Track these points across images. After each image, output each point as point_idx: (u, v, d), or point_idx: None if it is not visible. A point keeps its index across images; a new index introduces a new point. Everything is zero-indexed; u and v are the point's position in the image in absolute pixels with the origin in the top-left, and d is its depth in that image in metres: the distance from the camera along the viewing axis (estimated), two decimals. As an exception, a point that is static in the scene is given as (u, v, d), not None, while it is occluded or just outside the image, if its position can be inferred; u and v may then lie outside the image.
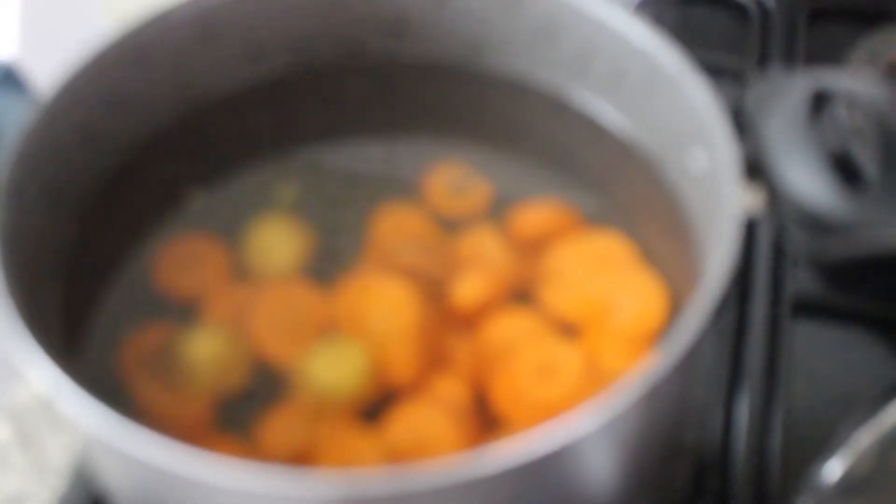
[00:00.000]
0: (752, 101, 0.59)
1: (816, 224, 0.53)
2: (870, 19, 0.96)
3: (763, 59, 0.96)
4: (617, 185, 0.67)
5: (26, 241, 0.55)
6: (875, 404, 0.73)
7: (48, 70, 0.87)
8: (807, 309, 0.79)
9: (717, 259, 0.50)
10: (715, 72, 0.62)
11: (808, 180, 0.53)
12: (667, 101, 0.62)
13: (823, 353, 0.78)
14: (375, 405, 0.59)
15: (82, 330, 0.60)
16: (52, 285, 0.59)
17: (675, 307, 0.61)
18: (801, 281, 0.81)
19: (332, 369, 0.60)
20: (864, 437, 0.66)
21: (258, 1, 0.65)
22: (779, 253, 0.81)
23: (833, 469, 0.65)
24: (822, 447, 0.70)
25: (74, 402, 0.48)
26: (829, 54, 0.94)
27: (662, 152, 0.64)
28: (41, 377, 0.48)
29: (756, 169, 0.56)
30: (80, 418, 0.47)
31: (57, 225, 0.60)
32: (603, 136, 0.67)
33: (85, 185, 0.62)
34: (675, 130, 0.62)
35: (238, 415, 0.59)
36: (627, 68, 0.64)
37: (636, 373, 0.48)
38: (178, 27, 0.63)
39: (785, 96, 0.58)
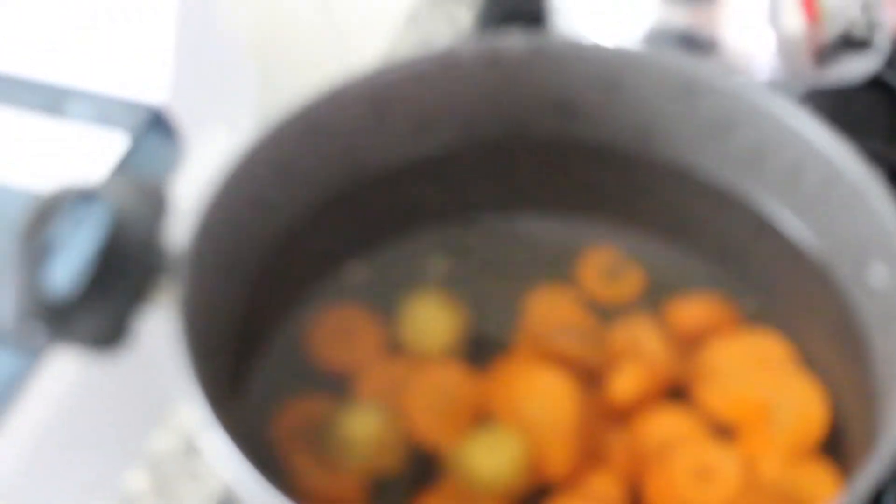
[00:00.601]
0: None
1: None
2: None
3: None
4: (783, 287, 0.66)
5: (203, 308, 0.57)
6: None
7: (196, 116, 0.90)
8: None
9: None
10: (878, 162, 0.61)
11: None
12: (846, 208, 0.61)
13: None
14: (528, 498, 0.59)
15: (244, 394, 0.61)
16: (222, 350, 0.60)
17: (837, 418, 0.60)
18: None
19: (488, 458, 0.59)
20: None
21: (429, 79, 0.65)
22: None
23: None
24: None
25: (229, 457, 0.49)
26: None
27: (838, 260, 0.63)
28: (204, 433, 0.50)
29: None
30: (230, 473, 0.49)
31: (229, 293, 0.61)
32: (772, 235, 0.66)
33: (255, 255, 0.63)
34: (854, 239, 0.61)
35: (389, 497, 0.59)
36: (804, 168, 0.63)
37: None
38: (351, 103, 0.64)
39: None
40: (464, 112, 0.68)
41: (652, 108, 0.66)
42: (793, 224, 0.66)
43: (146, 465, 0.77)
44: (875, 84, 0.96)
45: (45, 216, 0.53)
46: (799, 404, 0.61)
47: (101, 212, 0.54)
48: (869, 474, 0.49)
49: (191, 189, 0.60)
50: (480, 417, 0.61)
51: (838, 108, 0.72)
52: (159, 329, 0.57)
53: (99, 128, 0.88)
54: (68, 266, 0.53)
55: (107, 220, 0.54)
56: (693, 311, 0.65)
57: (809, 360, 0.63)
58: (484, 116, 0.68)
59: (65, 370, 0.86)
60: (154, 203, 0.56)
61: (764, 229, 0.66)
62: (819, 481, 0.59)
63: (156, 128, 0.87)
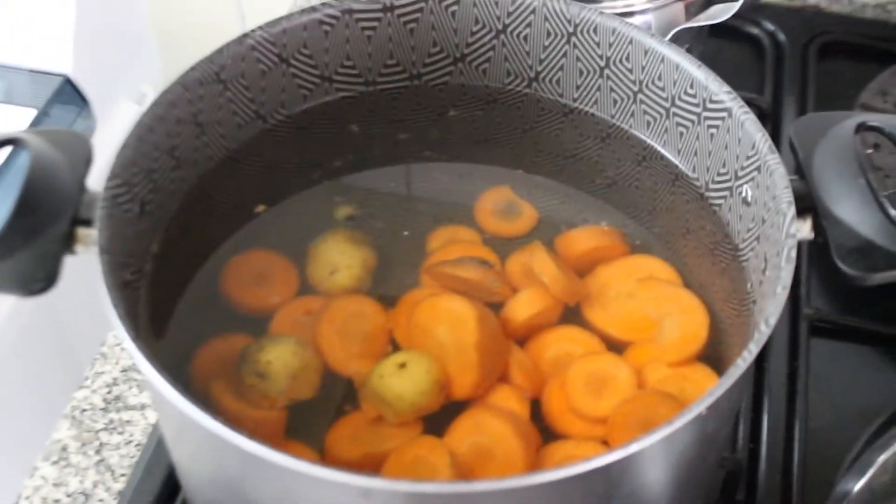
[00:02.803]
0: (795, 135, 0.61)
1: (862, 250, 0.55)
2: (879, 57, 0.99)
3: (777, 92, 0.99)
4: (664, 214, 0.69)
5: (122, 253, 0.57)
6: (892, 420, 0.76)
7: (100, 83, 0.90)
8: (824, 330, 0.82)
9: (781, 284, 0.52)
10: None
11: (857, 209, 0.56)
12: (716, 134, 0.63)
13: (840, 371, 0.81)
14: (437, 417, 0.60)
15: (167, 334, 0.62)
16: (143, 293, 0.61)
17: (715, 328, 0.63)
18: (818, 302, 0.83)
19: (397, 381, 0.60)
20: (882, 453, 0.68)
21: (328, 30, 0.67)
22: (797, 276, 0.83)
23: (852, 482, 0.67)
24: (842, 461, 0.74)
25: (157, 388, 0.50)
26: (839, 90, 0.97)
27: (712, 185, 0.65)
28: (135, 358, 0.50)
29: (801, 198, 0.58)
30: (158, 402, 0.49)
31: (146, 239, 0.62)
32: (653, 167, 0.69)
33: (170, 204, 0.64)
34: (725, 164, 0.63)
35: (307, 424, 0.60)
36: (680, 101, 0.65)
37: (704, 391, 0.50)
38: (254, 54, 0.65)
39: (830, 130, 0.60)
40: (362, 61, 0.69)
41: (538, 51, 0.69)
42: (671, 155, 0.68)
43: (70, 419, 0.77)
44: (740, 36, 1.01)
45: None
46: (681, 318, 0.64)
47: (24, 159, 0.54)
48: (732, 372, 0.51)
49: (103, 150, 0.60)
50: (390, 345, 0.63)
51: (707, 57, 0.74)
52: (79, 286, 0.58)
53: (6, 100, 0.87)
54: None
55: (29, 167, 0.54)
56: (582, 241, 0.67)
57: (690, 279, 0.66)
58: (381, 65, 0.70)
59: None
60: (76, 150, 0.57)
61: (645, 162, 0.69)
62: (700, 385, 0.61)
63: (64, 95, 0.86)
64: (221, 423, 0.48)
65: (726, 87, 0.62)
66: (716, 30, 0.83)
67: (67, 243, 0.56)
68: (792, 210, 0.56)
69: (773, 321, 0.51)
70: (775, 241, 0.57)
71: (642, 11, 0.80)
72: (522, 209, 0.69)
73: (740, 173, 0.62)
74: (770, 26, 1.02)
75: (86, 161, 0.58)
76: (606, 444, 0.59)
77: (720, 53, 0.96)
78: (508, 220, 0.69)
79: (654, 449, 0.49)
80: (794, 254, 0.54)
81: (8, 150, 0.55)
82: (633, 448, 0.48)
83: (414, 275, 0.65)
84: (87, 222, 0.56)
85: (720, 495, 0.72)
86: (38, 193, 0.54)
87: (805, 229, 0.57)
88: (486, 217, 0.69)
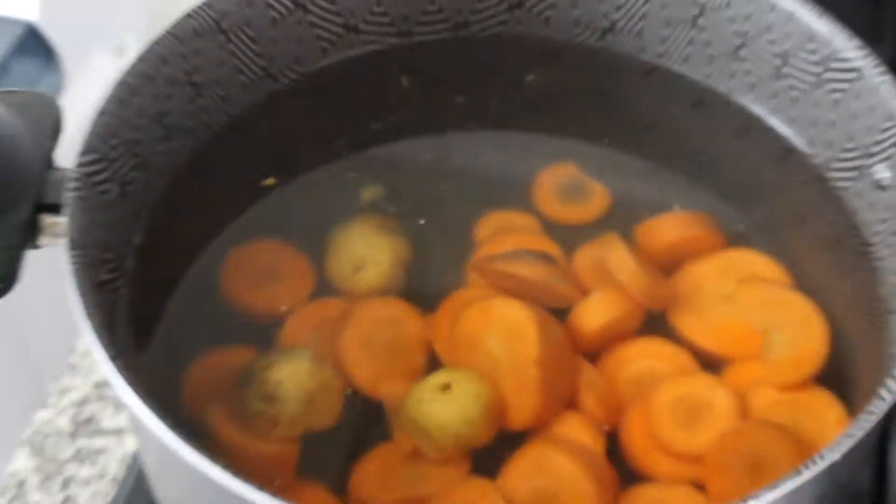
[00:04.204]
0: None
1: None
2: None
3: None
4: (771, 199, 0.68)
5: (97, 246, 0.57)
6: None
7: (71, 31, 0.88)
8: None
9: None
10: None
11: None
12: (841, 103, 0.62)
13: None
14: (489, 452, 0.58)
15: (151, 345, 0.61)
16: (123, 295, 0.60)
17: (838, 344, 0.61)
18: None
19: (439, 408, 0.58)
20: None
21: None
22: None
23: None
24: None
25: (138, 408, 0.49)
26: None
27: (834, 163, 0.64)
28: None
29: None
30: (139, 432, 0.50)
31: (127, 227, 0.61)
32: (758, 141, 0.67)
33: (156, 183, 0.63)
34: (852, 138, 0.62)
35: (325, 460, 0.59)
36: (793, 57, 0.64)
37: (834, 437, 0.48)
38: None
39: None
40: (396, 7, 0.68)
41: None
42: (780, 126, 0.67)
43: (30, 447, 0.77)
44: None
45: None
46: (793, 330, 0.61)
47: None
48: (878, 407, 0.49)
49: (74, 116, 0.60)
50: (429, 361, 0.61)
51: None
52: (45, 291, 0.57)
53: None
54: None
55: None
56: (668, 231, 0.65)
57: (804, 280, 0.63)
58: (419, 12, 0.69)
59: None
60: (40, 117, 0.57)
61: (748, 134, 0.68)
62: (820, 416, 0.59)
63: (27, 48, 0.85)
64: (217, 464, 0.47)
65: (856, 42, 0.61)
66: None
67: (29, 235, 0.56)
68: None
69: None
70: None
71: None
72: (592, 191, 0.67)
73: (873, 150, 0.60)
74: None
75: (52, 130, 0.58)
76: (701, 488, 0.57)
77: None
78: (575, 204, 0.67)
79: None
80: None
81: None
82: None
83: (458, 272, 0.64)
84: (54, 208, 0.55)
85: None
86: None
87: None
88: (546, 200, 0.67)
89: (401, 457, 0.58)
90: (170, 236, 0.63)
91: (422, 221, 0.66)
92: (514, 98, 0.71)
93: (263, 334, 0.61)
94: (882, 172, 0.60)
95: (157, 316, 0.62)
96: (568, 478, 0.56)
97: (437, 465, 0.57)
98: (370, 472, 0.58)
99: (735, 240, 0.65)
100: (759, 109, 0.67)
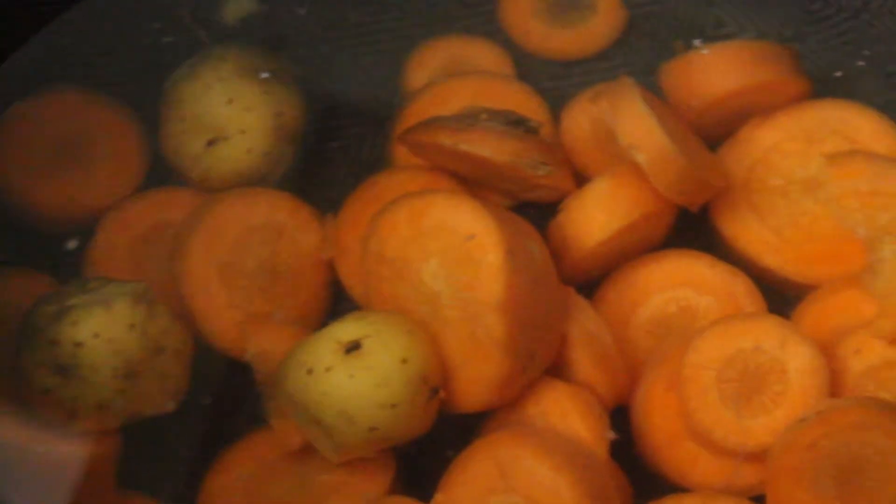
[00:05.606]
0: None
1: None
2: None
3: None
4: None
5: None
6: None
7: None
8: None
9: None
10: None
11: None
12: None
13: None
14: (427, 450, 0.50)
15: None
16: None
17: None
18: None
19: (345, 380, 0.48)
20: None
21: None
22: None
23: None
24: None
25: None
26: None
27: None
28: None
29: None
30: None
31: None
32: None
33: None
34: None
35: (158, 464, 0.51)
36: None
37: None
38: None
39: None
40: None
41: None
42: None
43: None
44: None
45: None
46: None
47: None
48: None
49: None
50: (328, 299, 0.52)
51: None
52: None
53: None
54: None
55: None
56: (718, 73, 0.53)
57: None
58: None
59: None
60: None
61: None
62: None
63: None
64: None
65: None
66: None
67: None
68: None
69: None
70: None
71: None
72: (594, 1, 0.55)
73: None
74: None
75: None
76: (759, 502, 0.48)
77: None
78: (567, 24, 0.54)
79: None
80: None
81: None
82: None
83: (379, 146, 0.54)
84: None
85: None
86: None
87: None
88: (521, 18, 0.55)
89: (280, 456, 0.47)
90: None
91: (320, 59, 0.54)
92: None
93: (58, 253, 0.51)
94: None
95: None
96: (546, 491, 0.45)
97: (337, 472, 0.46)
98: (228, 485, 0.47)
99: (824, 90, 0.53)
100: None
